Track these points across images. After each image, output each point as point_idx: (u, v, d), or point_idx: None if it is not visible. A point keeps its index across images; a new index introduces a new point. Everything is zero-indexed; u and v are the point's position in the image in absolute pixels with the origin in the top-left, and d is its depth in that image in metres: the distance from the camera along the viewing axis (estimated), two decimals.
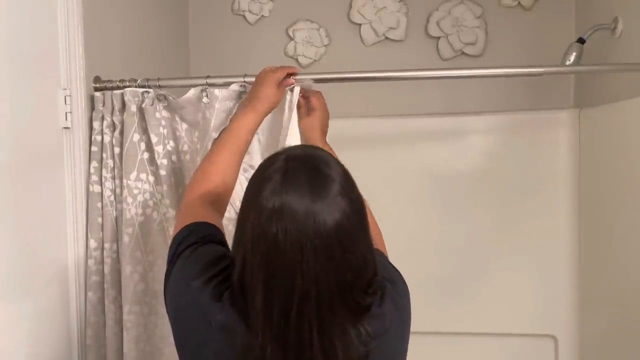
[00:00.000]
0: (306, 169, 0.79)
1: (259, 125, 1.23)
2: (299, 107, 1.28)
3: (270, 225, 0.76)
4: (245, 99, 1.27)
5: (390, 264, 0.99)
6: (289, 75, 1.26)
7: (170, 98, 1.35)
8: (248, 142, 1.20)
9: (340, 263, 0.76)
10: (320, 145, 1.21)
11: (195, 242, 0.94)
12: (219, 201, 1.08)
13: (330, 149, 1.23)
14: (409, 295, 0.94)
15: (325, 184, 0.78)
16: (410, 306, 0.94)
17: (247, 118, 1.20)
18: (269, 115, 1.27)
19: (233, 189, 1.15)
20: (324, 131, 1.28)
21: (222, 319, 0.82)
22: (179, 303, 0.88)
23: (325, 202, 0.76)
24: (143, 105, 1.30)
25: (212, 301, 0.83)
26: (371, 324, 0.82)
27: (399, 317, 0.88)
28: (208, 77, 1.34)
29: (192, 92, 1.33)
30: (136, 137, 1.31)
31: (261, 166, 0.83)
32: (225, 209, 1.12)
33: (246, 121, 1.19)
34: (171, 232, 1.29)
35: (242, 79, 1.33)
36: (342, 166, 0.84)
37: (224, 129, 1.26)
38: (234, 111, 1.32)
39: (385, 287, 0.87)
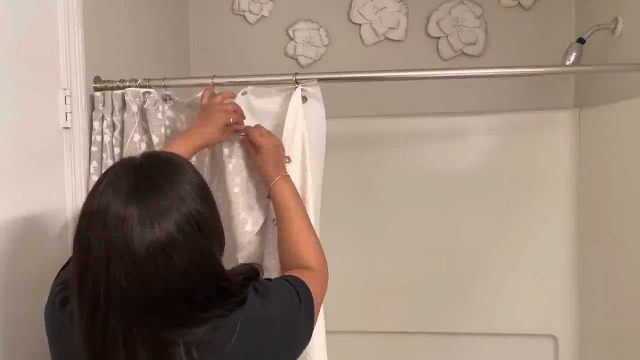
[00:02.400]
0: (134, 174, 0.78)
1: (191, 157, 1.21)
2: (247, 145, 1.25)
3: (86, 228, 0.76)
4: (189, 127, 1.25)
5: (288, 301, 0.90)
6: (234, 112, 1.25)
7: (176, 98, 1.34)
8: None
9: (147, 276, 0.74)
10: (275, 177, 1.17)
11: None
12: None
13: (287, 178, 1.18)
14: (291, 321, 0.89)
15: (148, 193, 0.76)
16: (288, 332, 0.88)
17: (181, 146, 1.18)
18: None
19: None
20: (276, 162, 1.20)
21: (61, 321, 0.86)
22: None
23: (143, 211, 0.74)
24: (145, 106, 1.30)
25: (59, 306, 0.88)
26: (207, 336, 0.78)
27: (251, 336, 0.82)
28: (214, 76, 1.33)
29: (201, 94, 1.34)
30: (137, 137, 1.31)
31: (104, 172, 0.83)
32: None
33: (179, 149, 1.17)
34: None
35: (247, 79, 1.34)
36: (193, 179, 0.81)
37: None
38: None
39: (245, 301, 0.83)
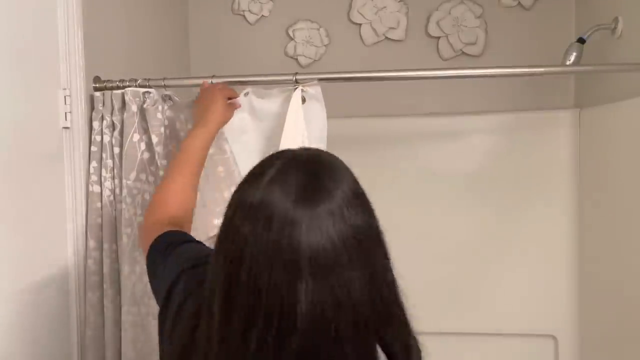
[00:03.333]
0: (303, 172, 0.68)
1: (211, 142, 1.22)
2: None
3: (243, 221, 0.66)
4: (197, 116, 1.26)
5: None
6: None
7: (176, 99, 1.35)
8: (202, 161, 1.19)
9: (315, 290, 0.63)
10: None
11: (186, 240, 0.95)
12: (182, 225, 1.05)
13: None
14: None
15: (318, 196, 0.66)
16: None
17: (198, 138, 1.19)
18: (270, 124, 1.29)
19: (192, 211, 1.13)
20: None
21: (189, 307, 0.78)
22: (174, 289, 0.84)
23: (313, 216, 0.64)
24: (145, 106, 1.30)
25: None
26: None
27: None
28: (213, 76, 1.34)
29: None
30: (136, 137, 1.31)
31: (261, 161, 0.73)
32: (189, 232, 1.08)
33: (197, 141, 1.18)
34: None
35: (247, 79, 1.34)
36: (353, 183, 0.72)
37: (179, 148, 1.22)
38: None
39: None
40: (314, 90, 1.30)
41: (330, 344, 0.64)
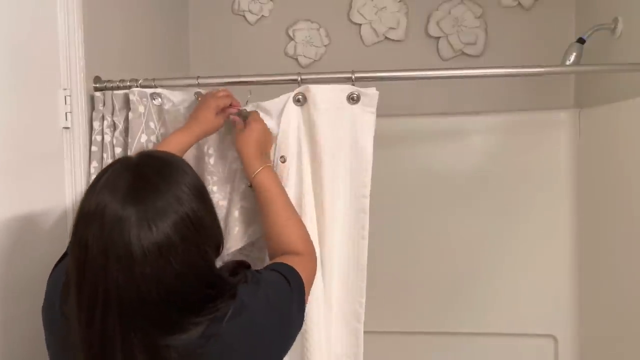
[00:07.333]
0: (131, 174, 0.77)
1: (190, 146, 1.22)
2: (234, 125, 1.24)
3: (83, 227, 0.76)
4: (187, 121, 1.27)
5: (278, 288, 0.92)
6: (232, 106, 1.25)
7: (177, 99, 1.34)
8: None
9: (143, 278, 0.73)
10: (259, 166, 1.15)
11: None
12: None
13: (271, 168, 1.18)
14: (283, 310, 0.90)
15: (145, 194, 0.75)
16: (280, 321, 0.89)
17: (179, 136, 1.20)
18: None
19: None
20: (262, 149, 1.19)
21: (62, 319, 0.85)
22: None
23: (140, 212, 0.74)
24: (151, 107, 1.30)
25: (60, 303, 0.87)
26: (200, 339, 0.78)
27: (239, 328, 0.82)
28: (216, 76, 1.34)
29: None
30: (144, 137, 1.30)
31: (101, 170, 0.83)
32: None
33: (178, 139, 1.20)
34: None
35: (248, 79, 1.34)
36: (189, 179, 0.81)
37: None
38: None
39: (235, 295, 0.83)
40: (370, 97, 1.26)
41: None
